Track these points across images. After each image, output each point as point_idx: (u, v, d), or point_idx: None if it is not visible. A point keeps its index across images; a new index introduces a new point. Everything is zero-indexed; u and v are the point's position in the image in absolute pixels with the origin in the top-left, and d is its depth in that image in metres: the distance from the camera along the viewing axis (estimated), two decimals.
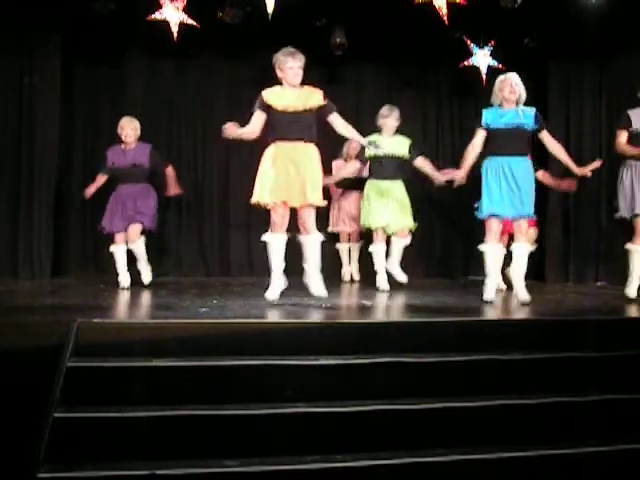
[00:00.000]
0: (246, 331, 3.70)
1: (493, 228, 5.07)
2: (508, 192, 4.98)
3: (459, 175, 5.31)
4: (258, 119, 4.68)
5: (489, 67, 7.30)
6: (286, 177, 4.58)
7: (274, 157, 4.63)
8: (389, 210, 6.03)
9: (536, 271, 7.34)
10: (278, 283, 4.65)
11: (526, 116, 5.05)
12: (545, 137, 5.14)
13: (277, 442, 3.09)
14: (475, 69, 7.32)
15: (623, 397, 3.52)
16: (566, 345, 3.84)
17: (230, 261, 7.68)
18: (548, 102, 7.37)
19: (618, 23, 6.64)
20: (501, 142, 5.09)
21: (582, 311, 4.84)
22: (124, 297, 5.04)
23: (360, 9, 6.57)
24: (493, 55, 7.30)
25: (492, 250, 5.10)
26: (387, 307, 5.13)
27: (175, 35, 6.46)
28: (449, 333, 3.89)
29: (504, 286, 6.20)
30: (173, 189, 6.25)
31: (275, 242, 4.64)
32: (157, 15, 6.41)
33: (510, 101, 5.07)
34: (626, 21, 6.63)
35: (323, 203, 4.69)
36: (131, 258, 5.99)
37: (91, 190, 6.22)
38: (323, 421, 3.20)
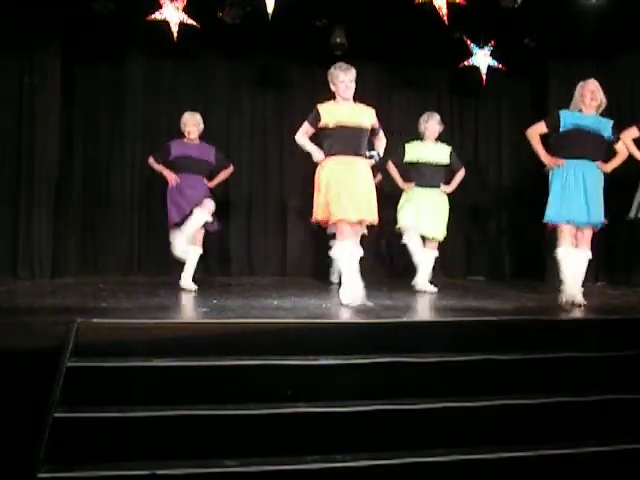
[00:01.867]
0: (246, 331, 3.70)
1: (565, 234, 4.97)
2: (580, 197, 4.93)
3: (559, 163, 5.05)
4: (306, 133, 4.88)
5: (489, 67, 7.31)
6: (346, 192, 4.66)
7: (329, 173, 4.72)
8: (424, 216, 6.06)
9: (536, 271, 7.35)
10: (356, 285, 4.70)
11: (602, 124, 5.03)
12: (618, 147, 5.14)
13: (277, 442, 3.09)
14: (475, 69, 7.33)
15: (623, 397, 3.52)
16: (566, 345, 3.84)
17: (230, 261, 7.69)
18: (548, 102, 7.37)
19: (618, 23, 6.64)
20: (574, 144, 5.00)
21: (582, 311, 4.84)
22: (124, 297, 5.04)
23: (360, 9, 6.57)
24: (493, 55, 7.31)
25: (567, 254, 4.98)
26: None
27: (175, 35, 6.46)
28: (449, 333, 3.89)
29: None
30: (212, 183, 6.23)
31: (347, 250, 4.71)
32: (157, 15, 6.41)
33: (591, 107, 5.04)
34: (626, 21, 6.63)
35: (376, 220, 4.85)
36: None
37: (173, 176, 6.03)
38: (323, 421, 3.20)
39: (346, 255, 4.71)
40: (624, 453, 3.25)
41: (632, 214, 5.66)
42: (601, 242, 7.26)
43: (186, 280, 5.92)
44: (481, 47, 7.29)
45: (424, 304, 5.32)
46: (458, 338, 3.82)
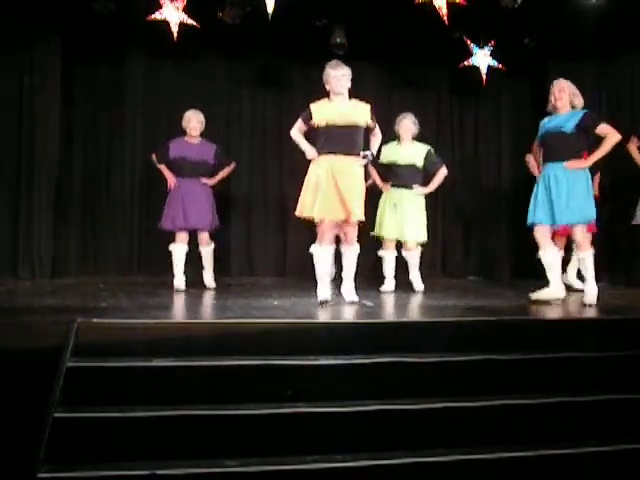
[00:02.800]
0: (246, 331, 3.70)
1: (537, 236, 5.04)
2: (547, 200, 4.95)
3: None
4: (300, 130, 4.93)
5: (489, 67, 7.31)
6: (333, 192, 4.71)
7: (320, 171, 4.76)
8: (399, 220, 6.03)
9: (536, 271, 7.35)
10: (327, 286, 4.82)
11: (568, 120, 4.99)
12: (600, 131, 4.96)
13: (277, 442, 3.09)
14: (475, 69, 7.32)
15: (623, 397, 3.52)
16: (566, 345, 3.84)
17: (230, 261, 7.69)
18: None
19: (618, 23, 6.65)
20: (545, 149, 5.09)
21: (582, 311, 4.84)
22: (124, 297, 5.04)
23: (360, 9, 6.57)
24: (493, 55, 7.30)
25: (547, 255, 5.05)
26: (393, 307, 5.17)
27: (175, 35, 6.46)
28: (449, 333, 3.89)
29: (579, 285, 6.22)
30: (212, 181, 6.22)
31: (322, 254, 4.81)
32: (157, 15, 6.41)
33: (557, 108, 5.07)
34: (626, 21, 6.63)
35: (363, 218, 4.85)
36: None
37: (172, 180, 6.12)
38: (323, 421, 3.20)
39: (322, 258, 4.80)
40: (624, 453, 3.25)
41: (638, 220, 5.67)
42: (601, 242, 7.29)
43: (209, 279, 6.17)
44: (481, 47, 7.29)
45: (424, 304, 5.32)
46: (458, 338, 3.82)
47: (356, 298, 4.80)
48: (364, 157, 4.83)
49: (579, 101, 5.08)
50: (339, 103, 4.83)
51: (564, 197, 4.88)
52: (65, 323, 3.49)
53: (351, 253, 4.90)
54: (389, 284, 6.09)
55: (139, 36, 7.02)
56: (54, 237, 6.94)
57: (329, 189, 4.70)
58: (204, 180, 6.13)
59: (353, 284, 4.89)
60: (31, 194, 6.79)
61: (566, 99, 5.05)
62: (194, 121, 6.10)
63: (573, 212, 4.89)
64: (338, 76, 4.78)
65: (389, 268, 6.13)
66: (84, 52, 7.12)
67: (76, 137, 7.38)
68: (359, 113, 4.83)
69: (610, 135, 4.92)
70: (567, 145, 4.96)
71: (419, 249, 6.19)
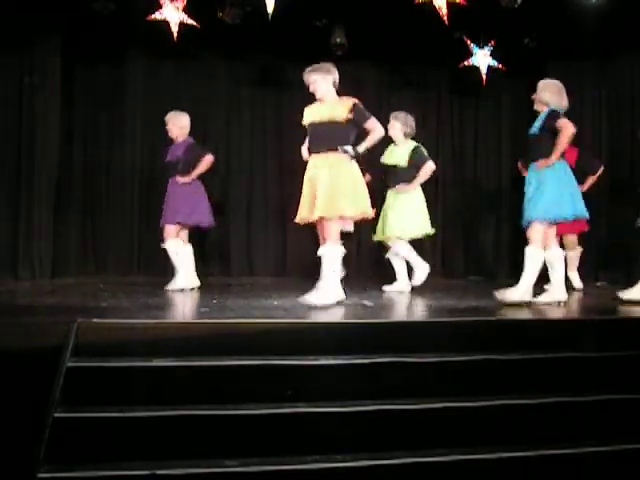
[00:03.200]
0: (246, 331, 3.70)
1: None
2: (525, 200, 4.96)
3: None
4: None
5: (489, 67, 7.32)
6: (308, 193, 4.76)
7: (306, 172, 4.82)
8: (386, 220, 6.05)
9: None
10: (336, 290, 4.70)
11: (536, 121, 4.96)
12: (560, 127, 4.82)
13: (277, 442, 3.09)
14: (475, 69, 7.34)
15: (623, 397, 3.52)
16: (566, 345, 3.83)
17: (230, 261, 7.69)
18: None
19: (618, 23, 6.65)
20: (527, 152, 5.11)
21: (582, 311, 4.84)
22: (124, 297, 5.04)
23: (360, 9, 6.58)
24: (493, 55, 7.32)
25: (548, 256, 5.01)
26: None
27: (175, 35, 6.47)
28: (449, 333, 3.89)
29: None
30: (186, 178, 5.98)
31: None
32: (157, 15, 6.43)
33: (538, 109, 5.04)
34: (626, 21, 6.64)
35: (333, 214, 4.57)
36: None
37: None
38: (323, 421, 3.20)
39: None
40: (624, 453, 3.25)
41: None
42: (601, 242, 7.29)
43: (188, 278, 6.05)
44: (481, 47, 7.30)
45: (424, 304, 5.32)
46: (458, 338, 3.82)
47: (313, 302, 4.52)
48: (344, 152, 4.65)
49: (553, 100, 4.93)
50: (324, 103, 4.82)
51: (534, 195, 4.84)
52: (65, 323, 3.48)
53: (324, 251, 4.61)
54: (399, 284, 6.07)
55: (139, 36, 7.04)
56: (54, 237, 6.95)
57: (305, 190, 4.78)
58: (178, 178, 5.99)
59: (325, 285, 4.61)
60: (31, 194, 6.80)
61: (537, 101, 5.02)
62: (169, 124, 6.08)
63: (532, 210, 4.84)
64: (310, 82, 4.81)
65: (397, 270, 6.12)
66: (84, 52, 7.13)
67: (76, 137, 7.39)
68: (337, 108, 4.72)
69: (564, 129, 4.80)
70: (537, 146, 4.93)
71: (402, 242, 6.05)
